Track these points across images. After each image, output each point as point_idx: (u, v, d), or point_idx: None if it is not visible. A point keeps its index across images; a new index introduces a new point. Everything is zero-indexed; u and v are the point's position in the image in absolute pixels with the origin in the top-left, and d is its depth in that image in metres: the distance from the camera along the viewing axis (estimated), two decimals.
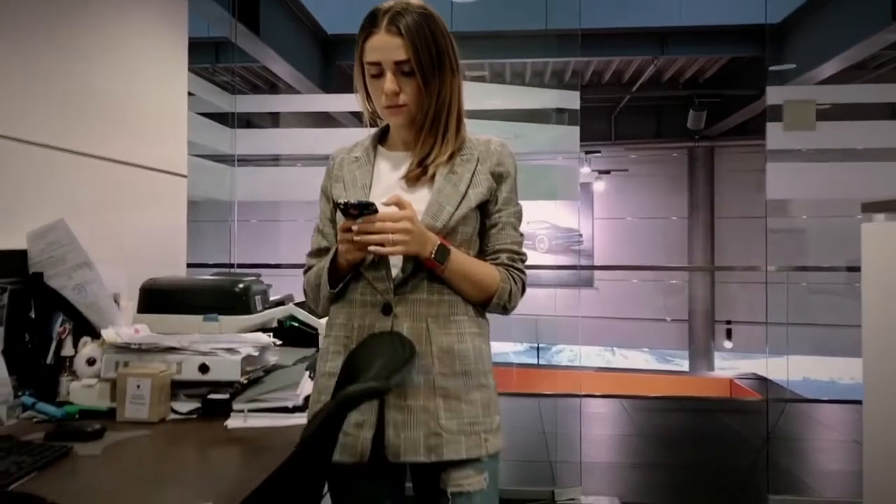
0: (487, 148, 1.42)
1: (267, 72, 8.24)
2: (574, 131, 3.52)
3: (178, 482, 1.24)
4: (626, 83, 10.41)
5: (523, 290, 1.42)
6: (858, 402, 2.12)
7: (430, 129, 1.38)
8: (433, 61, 1.32)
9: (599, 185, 12.02)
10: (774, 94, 3.24)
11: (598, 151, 11.13)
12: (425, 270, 1.30)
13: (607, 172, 11.78)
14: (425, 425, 1.26)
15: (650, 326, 12.67)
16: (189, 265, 2.94)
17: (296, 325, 2.49)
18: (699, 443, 4.70)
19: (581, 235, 12.75)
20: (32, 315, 1.74)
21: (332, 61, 8.40)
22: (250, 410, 1.60)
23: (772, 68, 5.80)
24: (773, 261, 3.83)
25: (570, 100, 3.70)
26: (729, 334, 12.08)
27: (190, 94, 3.00)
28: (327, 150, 1.58)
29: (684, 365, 12.47)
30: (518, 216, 1.43)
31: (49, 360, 1.70)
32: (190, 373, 1.64)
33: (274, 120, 7.55)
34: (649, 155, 12.13)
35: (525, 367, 11.06)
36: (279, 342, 2.03)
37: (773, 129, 3.16)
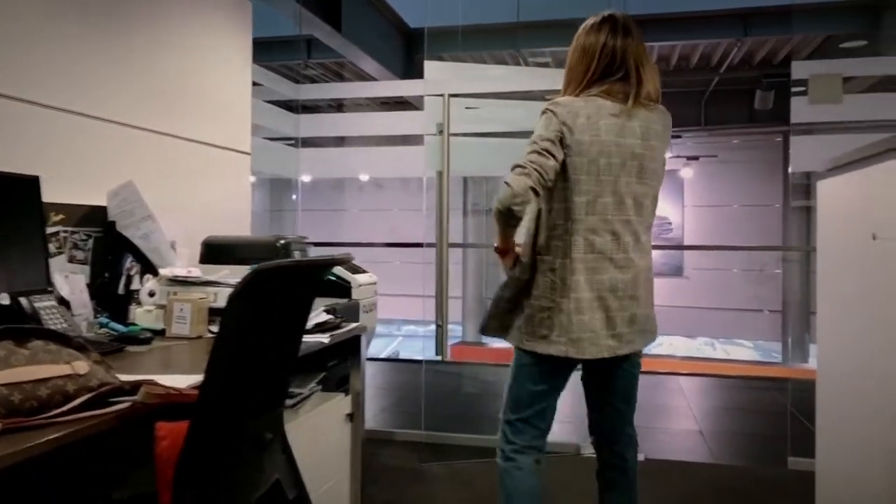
0: None
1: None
2: None
3: (189, 368, 1.63)
4: (715, 66, 10.21)
5: (507, 192, 1.62)
6: None
7: None
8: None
9: (688, 172, 11.84)
10: (800, 69, 3.31)
11: (679, 136, 10.97)
12: None
13: (696, 158, 11.58)
14: None
15: (743, 317, 12.36)
16: None
17: (332, 278, 2.89)
18: (740, 414, 4.79)
19: (670, 223, 12.62)
20: (109, 257, 2.21)
21: (415, 54, 8.80)
22: None
23: (842, 45, 5.65)
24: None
25: None
26: None
27: (256, 83, 3.45)
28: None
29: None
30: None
31: (120, 291, 2.16)
32: (223, 300, 2.04)
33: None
34: (743, 140, 11.82)
35: None
36: None
37: (797, 103, 3.24)
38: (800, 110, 3.31)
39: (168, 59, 2.70)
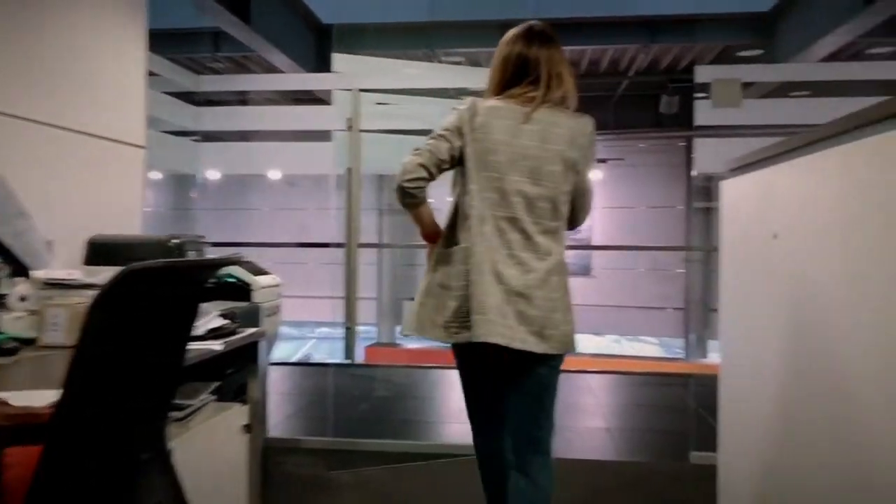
0: None
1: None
2: None
3: (57, 382, 1.47)
4: (623, 71, 10.49)
5: (399, 170, 1.75)
6: None
7: None
8: None
9: (597, 175, 12.14)
10: (703, 73, 3.41)
11: None
12: None
13: (604, 161, 11.89)
14: None
15: (648, 315, 12.78)
16: None
17: (232, 280, 2.73)
18: (647, 410, 4.92)
19: None
20: None
21: (328, 52, 8.58)
22: None
23: (738, 54, 5.91)
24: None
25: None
26: None
27: (154, 73, 3.24)
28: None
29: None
30: None
31: None
32: None
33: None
34: (650, 144, 12.21)
35: None
36: None
37: (701, 106, 3.34)
38: (703, 114, 3.41)
39: (49, 41, 2.47)
